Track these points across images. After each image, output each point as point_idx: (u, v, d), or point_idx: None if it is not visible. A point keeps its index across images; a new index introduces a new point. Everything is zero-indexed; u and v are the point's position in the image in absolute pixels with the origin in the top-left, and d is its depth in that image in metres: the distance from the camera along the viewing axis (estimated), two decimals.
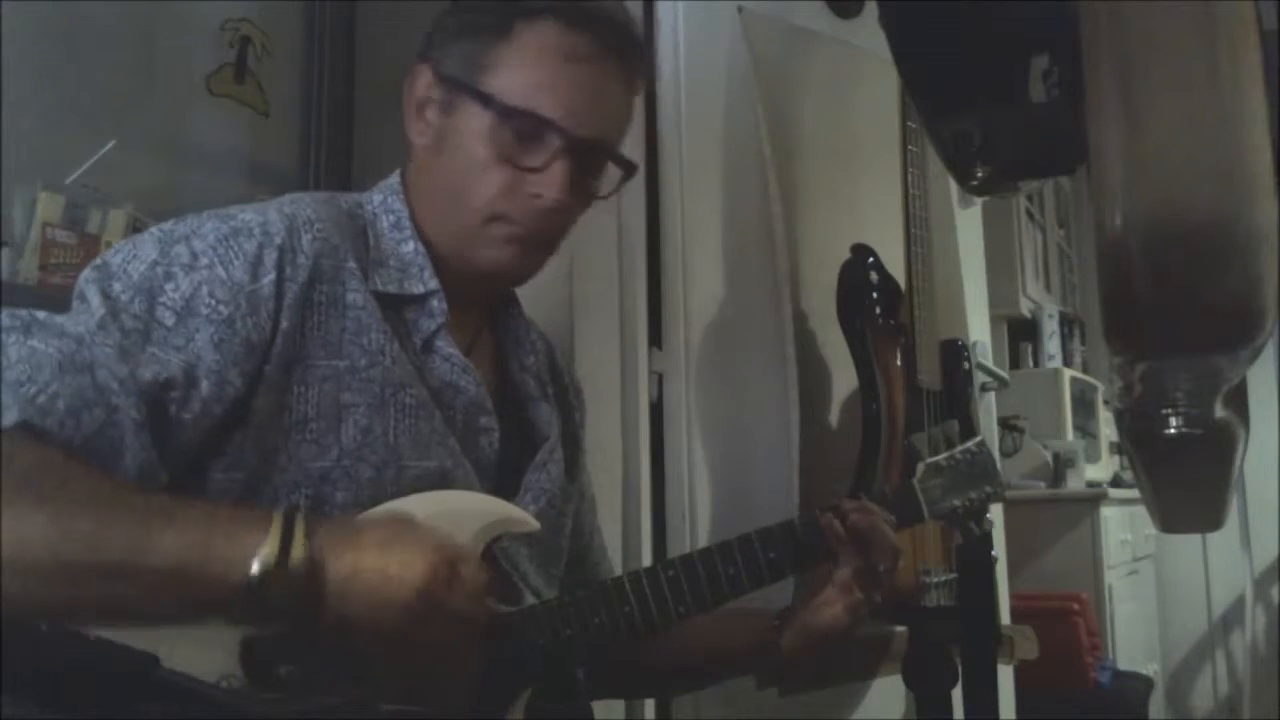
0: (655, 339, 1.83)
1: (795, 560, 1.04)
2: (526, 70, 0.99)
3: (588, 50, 1.00)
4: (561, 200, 1.00)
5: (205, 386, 0.88)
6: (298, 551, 0.79)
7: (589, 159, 1.03)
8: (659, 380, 1.83)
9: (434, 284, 1.02)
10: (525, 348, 1.14)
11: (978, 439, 1.13)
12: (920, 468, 1.11)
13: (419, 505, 0.94)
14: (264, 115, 2.03)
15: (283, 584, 0.78)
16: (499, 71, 0.99)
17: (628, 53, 1.04)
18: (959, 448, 1.12)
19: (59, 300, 0.92)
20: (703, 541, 1.77)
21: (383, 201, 1.06)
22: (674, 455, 1.81)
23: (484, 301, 1.11)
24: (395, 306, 1.00)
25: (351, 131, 2.13)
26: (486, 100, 0.99)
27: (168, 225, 0.94)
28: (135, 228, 1.68)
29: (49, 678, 0.82)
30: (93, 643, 0.82)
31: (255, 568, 0.78)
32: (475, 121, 1.00)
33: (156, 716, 0.83)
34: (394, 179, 1.08)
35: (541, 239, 1.04)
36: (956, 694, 1.81)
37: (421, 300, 1.01)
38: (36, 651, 0.81)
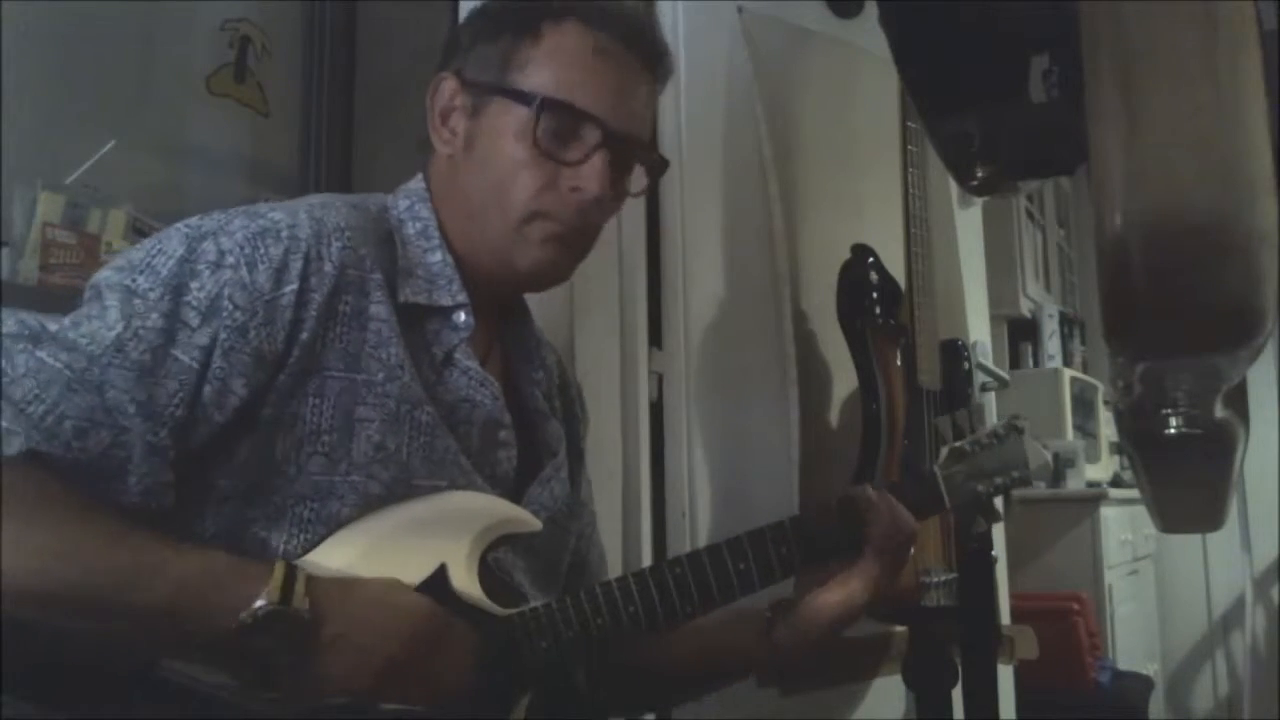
0: (655, 339, 1.83)
1: (808, 554, 1.01)
2: (559, 67, 1.00)
3: (615, 48, 1.01)
4: (601, 193, 1.00)
5: (207, 390, 0.87)
6: (297, 603, 0.82)
7: (622, 154, 1.03)
8: (659, 380, 1.82)
9: (462, 297, 1.00)
10: (535, 362, 1.13)
11: (1005, 420, 1.08)
12: (943, 452, 1.07)
13: (422, 507, 0.94)
14: (264, 115, 2.02)
15: (274, 637, 0.81)
16: (530, 70, 1.00)
17: (651, 52, 1.05)
18: (984, 430, 1.08)
19: (59, 300, 0.90)
20: (703, 541, 1.77)
21: (409, 208, 1.04)
22: (674, 455, 1.81)
23: (497, 312, 1.10)
24: (419, 318, 0.98)
25: (351, 131, 2.13)
26: (522, 96, 0.98)
27: (194, 221, 0.93)
28: (135, 228, 1.68)
29: (49, 678, 0.82)
30: (93, 643, 0.82)
31: (251, 617, 0.80)
32: (507, 119, 1.00)
33: (156, 716, 0.83)
34: (418, 184, 1.06)
35: (579, 236, 1.04)
36: (956, 694, 1.81)
37: (448, 312, 1.00)
38: (36, 651, 0.81)
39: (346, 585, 0.86)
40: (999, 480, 1.06)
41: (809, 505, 1.06)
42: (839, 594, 1.01)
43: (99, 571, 0.79)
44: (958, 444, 1.07)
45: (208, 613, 0.81)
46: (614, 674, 1.08)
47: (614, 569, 1.29)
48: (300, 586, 0.82)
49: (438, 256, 1.01)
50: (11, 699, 0.80)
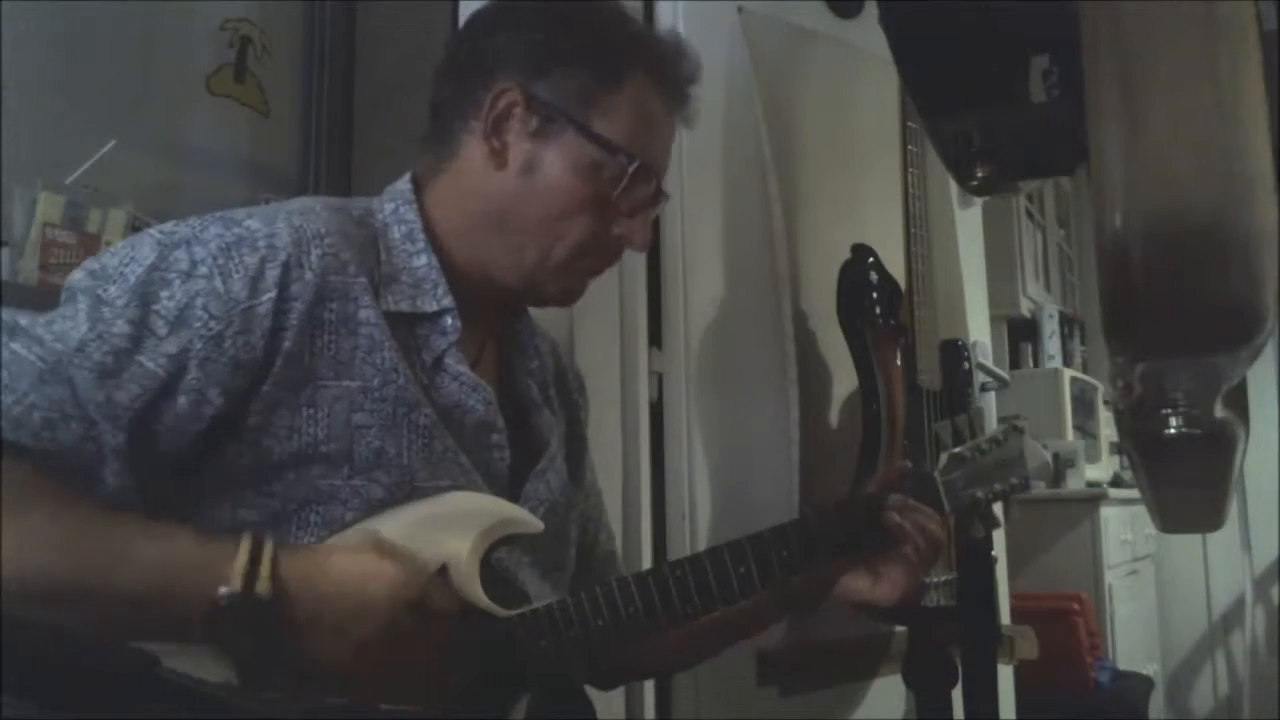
0: (655, 339, 1.83)
1: (808, 557, 1.02)
2: (634, 122, 1.02)
3: (670, 106, 1.06)
4: (647, 244, 1.06)
5: (182, 402, 0.86)
6: (262, 586, 0.81)
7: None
8: (659, 380, 1.83)
9: (448, 301, 1.00)
10: (529, 353, 1.13)
11: (1005, 426, 1.09)
12: (943, 458, 1.07)
13: (423, 509, 0.94)
14: (264, 115, 2.02)
15: (244, 617, 0.81)
16: (609, 116, 1.01)
17: (689, 106, 1.09)
18: (984, 436, 1.08)
19: (58, 299, 0.90)
20: (702, 541, 1.77)
21: (394, 211, 1.03)
22: (674, 455, 1.81)
23: (492, 307, 1.10)
24: (406, 323, 0.98)
25: (351, 131, 2.13)
26: (610, 146, 1.00)
27: (168, 227, 0.92)
28: (135, 228, 1.68)
29: (49, 678, 0.82)
30: (93, 643, 0.82)
31: (218, 599, 0.80)
32: (579, 156, 1.00)
33: (156, 716, 0.83)
34: (404, 185, 1.05)
35: (603, 272, 1.09)
36: (956, 694, 1.81)
37: (434, 317, 0.99)
38: (36, 651, 0.81)
39: (318, 561, 0.86)
40: (998, 487, 1.07)
41: (808, 509, 1.06)
42: (867, 580, 1.05)
43: (71, 556, 0.80)
44: (957, 450, 1.07)
45: (180, 597, 0.81)
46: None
47: (621, 565, 1.29)
48: (265, 569, 0.82)
49: (423, 260, 1.01)
50: (12, 699, 0.80)
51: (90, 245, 1.63)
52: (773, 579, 1.01)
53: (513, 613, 0.94)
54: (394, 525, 0.92)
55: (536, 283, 1.04)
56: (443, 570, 0.91)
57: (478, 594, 0.93)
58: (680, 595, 0.98)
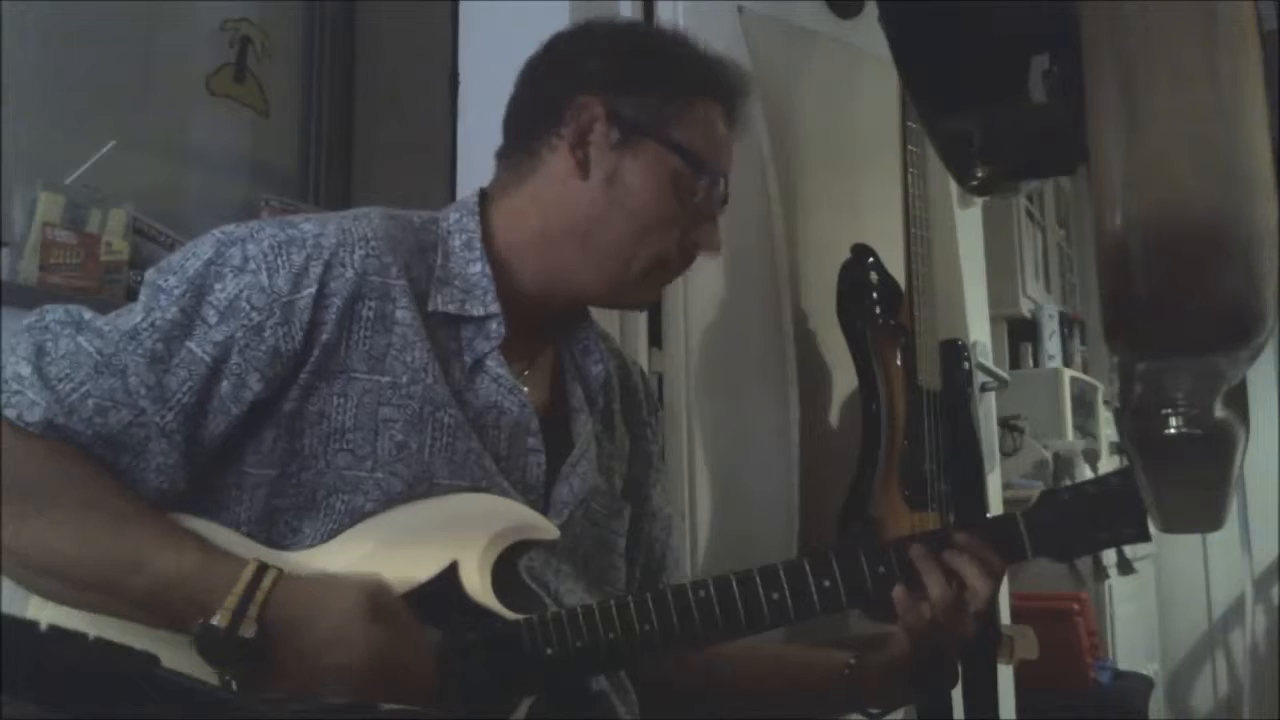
0: (655, 339, 1.83)
1: (856, 591, 0.96)
2: (704, 135, 1.08)
3: (730, 122, 1.12)
4: (720, 248, 1.11)
5: (225, 385, 0.92)
6: (247, 627, 0.83)
7: None
8: (659, 380, 1.82)
9: (494, 307, 1.03)
10: (591, 357, 1.15)
11: (1121, 468, 0.94)
12: (1035, 497, 0.97)
13: (441, 506, 0.96)
14: (264, 115, 2.03)
15: (227, 649, 0.83)
16: (684, 130, 1.06)
17: (744, 122, 1.15)
18: (1090, 477, 0.95)
19: (58, 300, 0.96)
20: (703, 542, 1.77)
21: (457, 220, 1.08)
22: (674, 455, 1.81)
23: (555, 321, 1.13)
24: (453, 325, 1.02)
25: (351, 131, 2.13)
26: (696, 159, 1.06)
27: (230, 227, 0.99)
28: (135, 228, 1.68)
29: (49, 678, 0.83)
30: (93, 643, 0.82)
31: (211, 624, 0.83)
32: (658, 167, 1.05)
33: (156, 716, 0.83)
34: (471, 198, 1.10)
35: (675, 279, 1.13)
36: (957, 694, 1.81)
37: (480, 321, 1.03)
38: (36, 651, 0.81)
39: (311, 609, 0.86)
40: (1103, 536, 0.93)
41: (858, 536, 1.02)
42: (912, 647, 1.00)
43: (89, 554, 0.85)
44: (1052, 489, 0.96)
45: (178, 612, 0.85)
46: (670, 688, 1.09)
47: None
48: (255, 609, 0.83)
49: (477, 268, 1.04)
50: (12, 699, 0.81)
51: (90, 245, 1.63)
52: (810, 611, 0.96)
53: (520, 616, 0.94)
54: (411, 518, 0.95)
55: (617, 293, 1.09)
56: (452, 567, 0.92)
57: (485, 594, 0.93)
58: (702, 616, 0.94)
